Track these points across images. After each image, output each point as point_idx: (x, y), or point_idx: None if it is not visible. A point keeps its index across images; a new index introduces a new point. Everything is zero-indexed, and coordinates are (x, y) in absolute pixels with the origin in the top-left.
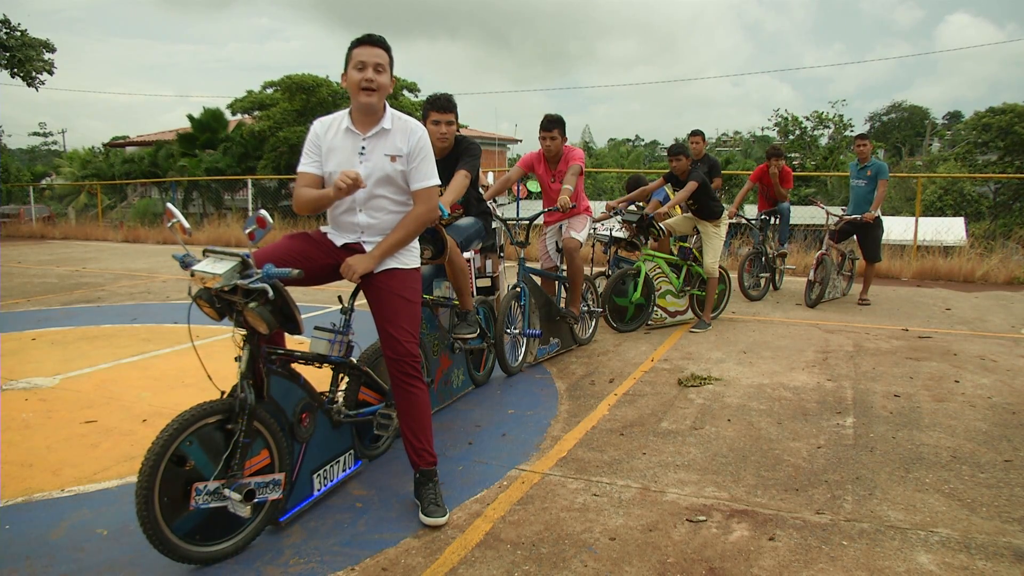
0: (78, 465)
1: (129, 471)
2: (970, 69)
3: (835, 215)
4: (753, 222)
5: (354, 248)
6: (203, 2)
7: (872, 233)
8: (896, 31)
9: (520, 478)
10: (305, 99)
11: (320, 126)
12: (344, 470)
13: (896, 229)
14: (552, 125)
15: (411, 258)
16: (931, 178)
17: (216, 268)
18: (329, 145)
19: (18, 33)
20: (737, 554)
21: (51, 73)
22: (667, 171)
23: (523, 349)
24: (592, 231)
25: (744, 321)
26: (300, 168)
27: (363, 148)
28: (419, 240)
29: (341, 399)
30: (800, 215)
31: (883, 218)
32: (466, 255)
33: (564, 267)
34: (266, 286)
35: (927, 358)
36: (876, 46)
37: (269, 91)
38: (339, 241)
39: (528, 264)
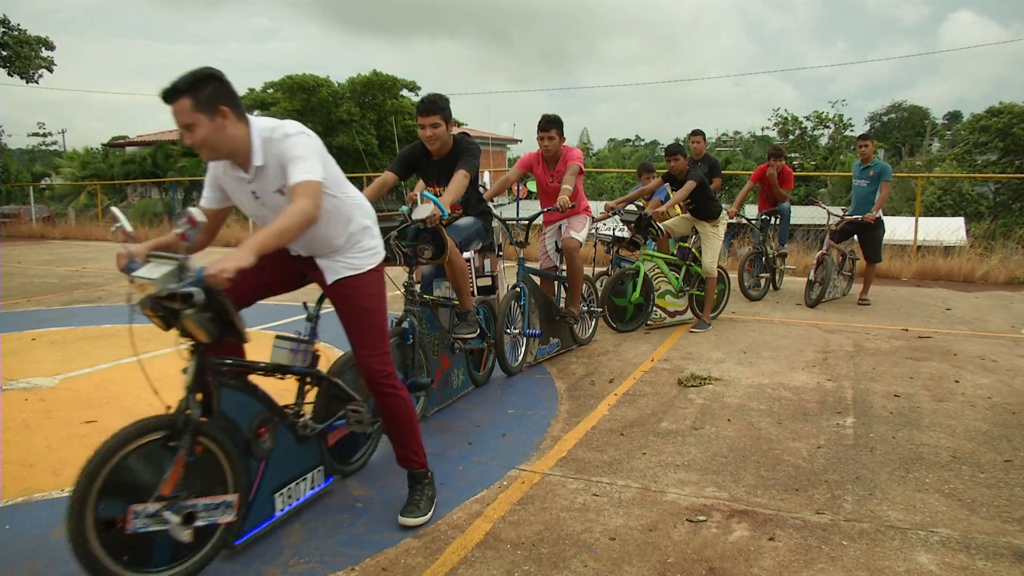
0: (78, 465)
1: None
2: (974, 68)
3: (836, 215)
4: (753, 222)
5: (304, 258)
6: (197, 0)
7: (873, 233)
8: (899, 29)
9: (520, 478)
10: (305, 99)
11: (214, 167)
12: (312, 487)
13: (897, 229)
14: (550, 125)
15: (363, 259)
16: (931, 178)
17: (153, 273)
18: (227, 185)
19: (16, 32)
20: (737, 554)
21: (50, 71)
22: (665, 171)
23: (523, 349)
24: (593, 231)
25: (744, 321)
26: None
27: (254, 192)
28: (419, 240)
29: (309, 412)
30: (800, 215)
31: (883, 218)
32: (465, 255)
33: (564, 267)
34: (193, 290)
35: (927, 358)
36: (879, 45)
37: (270, 91)
38: (292, 252)
39: (528, 264)
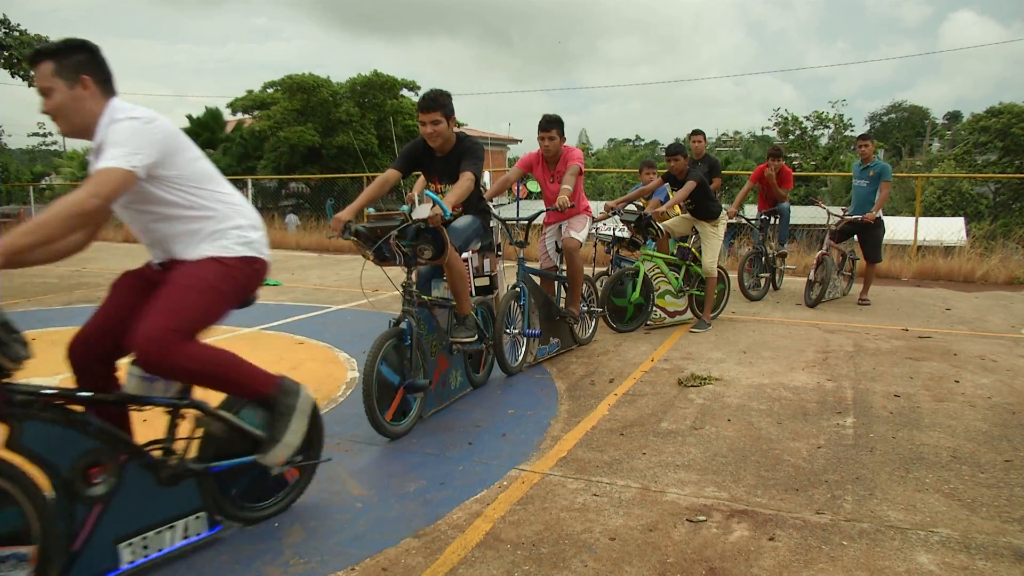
0: None
1: None
2: (974, 68)
3: (836, 215)
4: (753, 222)
5: (165, 265)
6: (196, 0)
7: (873, 233)
8: (900, 29)
9: (520, 478)
10: (305, 99)
11: None
12: (186, 537)
13: (897, 229)
14: (550, 125)
15: (213, 250)
16: (931, 178)
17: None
18: None
19: (17, 33)
20: (737, 554)
21: None
22: (665, 171)
23: (523, 349)
24: (594, 231)
25: (744, 321)
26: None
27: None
28: (419, 240)
29: (184, 448)
30: (800, 215)
31: (884, 218)
32: (463, 255)
33: (564, 267)
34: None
35: (927, 358)
36: (880, 45)
37: (269, 91)
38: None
39: (527, 264)
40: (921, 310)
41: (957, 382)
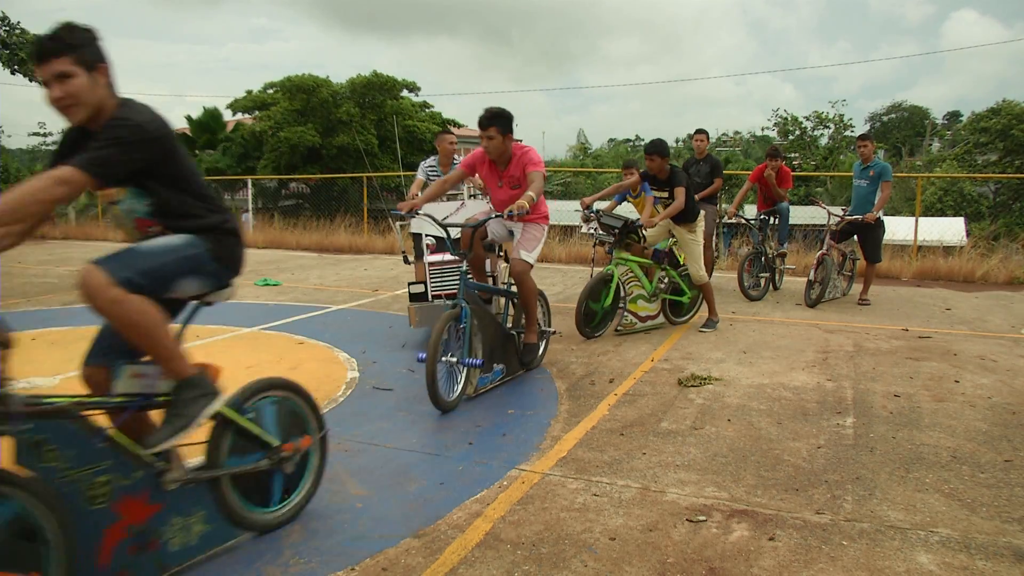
0: None
1: None
2: (976, 67)
3: (836, 215)
4: (752, 222)
5: None
6: (196, 0)
7: (873, 234)
8: (901, 28)
9: (520, 478)
10: (305, 99)
11: None
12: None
13: (897, 230)
14: (489, 122)
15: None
16: (931, 178)
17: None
18: None
19: (18, 31)
20: (737, 554)
21: None
22: (643, 170)
23: (462, 379)
24: (593, 231)
25: (744, 321)
26: None
27: None
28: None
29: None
30: (800, 215)
31: (884, 218)
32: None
33: (509, 281)
34: None
35: (927, 358)
36: (881, 44)
37: (269, 91)
38: None
39: (471, 279)
40: (921, 310)
41: (957, 382)
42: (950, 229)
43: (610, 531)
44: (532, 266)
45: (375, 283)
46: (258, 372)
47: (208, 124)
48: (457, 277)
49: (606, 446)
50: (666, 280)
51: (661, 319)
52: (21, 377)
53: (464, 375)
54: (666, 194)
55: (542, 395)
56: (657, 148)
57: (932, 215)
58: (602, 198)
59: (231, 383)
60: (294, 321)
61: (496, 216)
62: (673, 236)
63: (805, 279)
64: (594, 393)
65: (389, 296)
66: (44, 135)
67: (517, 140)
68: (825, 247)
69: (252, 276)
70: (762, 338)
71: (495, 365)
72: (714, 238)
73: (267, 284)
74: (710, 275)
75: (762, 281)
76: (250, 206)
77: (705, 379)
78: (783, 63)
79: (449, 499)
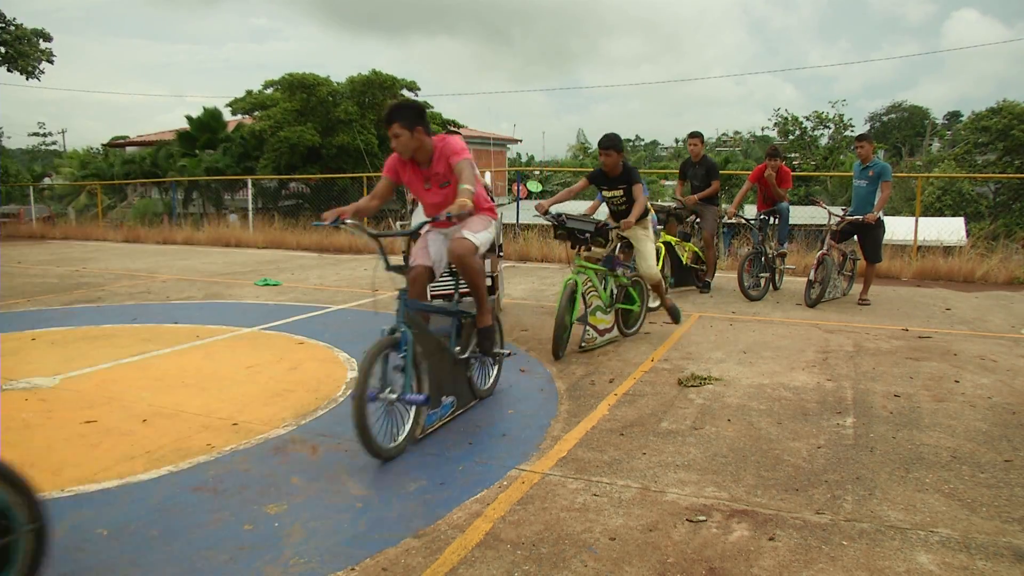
0: (78, 465)
1: (129, 471)
2: (977, 67)
3: (836, 215)
4: (752, 222)
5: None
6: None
7: (873, 234)
8: (902, 28)
9: (520, 478)
10: (305, 98)
11: None
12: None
13: (897, 230)
14: (390, 118)
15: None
16: (931, 178)
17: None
18: None
19: (13, 28)
20: (737, 554)
21: (51, 62)
22: (596, 169)
23: (409, 420)
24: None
25: (744, 321)
26: None
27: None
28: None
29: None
30: (800, 215)
31: (884, 218)
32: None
33: (459, 286)
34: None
35: (927, 358)
36: (882, 44)
37: (269, 91)
38: None
39: (410, 298)
40: (921, 310)
41: (957, 382)
42: (950, 229)
43: (610, 531)
44: (477, 248)
45: (375, 283)
46: (258, 372)
47: (208, 124)
48: (449, 278)
49: (606, 446)
50: (616, 288)
51: (616, 332)
52: (21, 377)
53: (413, 414)
54: (620, 192)
55: (542, 395)
56: (613, 143)
57: (932, 215)
58: (557, 201)
59: (231, 383)
60: (294, 321)
61: (431, 220)
62: (625, 237)
63: (805, 279)
64: (594, 393)
65: (389, 296)
66: (44, 135)
67: (437, 131)
68: (825, 247)
69: (252, 276)
70: (762, 338)
71: (444, 398)
72: (715, 238)
73: (267, 284)
74: (712, 276)
75: (762, 281)
76: (250, 206)
77: (705, 379)
78: (783, 63)
79: (449, 499)
